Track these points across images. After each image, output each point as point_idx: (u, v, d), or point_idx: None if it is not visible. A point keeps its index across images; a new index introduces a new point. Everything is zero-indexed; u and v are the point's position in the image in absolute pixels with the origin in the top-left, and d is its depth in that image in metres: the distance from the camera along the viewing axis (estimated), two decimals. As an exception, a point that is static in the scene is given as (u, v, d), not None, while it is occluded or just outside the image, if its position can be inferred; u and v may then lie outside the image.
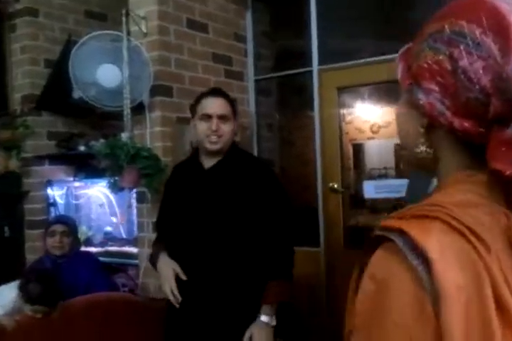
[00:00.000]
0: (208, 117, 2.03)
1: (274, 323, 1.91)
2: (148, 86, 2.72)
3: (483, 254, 0.58)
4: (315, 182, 3.40)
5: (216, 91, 2.10)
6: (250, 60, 3.54)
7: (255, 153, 3.51)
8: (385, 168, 6.33)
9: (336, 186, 3.34)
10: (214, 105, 2.04)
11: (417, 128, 0.69)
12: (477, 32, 0.61)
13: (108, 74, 2.64)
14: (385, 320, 0.60)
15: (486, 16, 0.61)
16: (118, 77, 2.64)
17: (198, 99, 2.09)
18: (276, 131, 3.88)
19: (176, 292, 1.94)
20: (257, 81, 3.56)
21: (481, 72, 0.60)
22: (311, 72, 3.35)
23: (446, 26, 0.64)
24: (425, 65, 0.65)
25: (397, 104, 0.75)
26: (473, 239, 0.59)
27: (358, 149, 6.48)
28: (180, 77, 2.95)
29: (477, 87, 0.61)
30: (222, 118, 2.03)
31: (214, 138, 2.02)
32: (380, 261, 0.63)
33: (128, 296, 2.83)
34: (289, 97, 3.85)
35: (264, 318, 1.90)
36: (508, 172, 0.59)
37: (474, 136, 0.64)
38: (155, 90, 2.79)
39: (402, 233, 0.60)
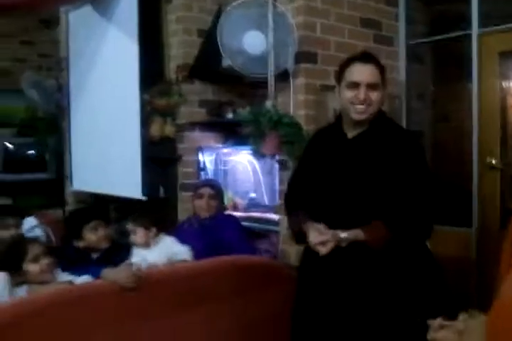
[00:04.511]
0: (355, 85, 1.89)
1: (344, 244, 1.83)
2: (293, 52, 2.71)
3: None
4: (470, 158, 3.14)
5: (366, 57, 1.93)
6: (402, 25, 3.33)
7: (404, 125, 3.33)
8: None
9: (494, 162, 3.06)
10: (363, 72, 1.89)
11: None
12: None
13: (254, 42, 2.67)
14: None
15: None
16: (263, 44, 2.66)
17: (346, 64, 1.94)
18: (428, 102, 3.65)
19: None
20: (408, 46, 3.34)
21: None
22: (469, 35, 3.05)
23: None
24: None
25: None
26: None
27: (526, 125, 5.84)
28: (326, 42, 2.88)
29: None
30: (371, 86, 1.88)
31: (361, 107, 1.88)
32: None
33: (267, 261, 2.88)
34: (444, 65, 3.58)
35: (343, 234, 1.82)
36: None
37: None
38: (299, 57, 2.77)
39: None
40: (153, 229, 2.51)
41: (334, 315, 1.92)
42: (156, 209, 2.68)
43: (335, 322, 1.92)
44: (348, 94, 1.91)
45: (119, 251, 2.60)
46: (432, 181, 1.92)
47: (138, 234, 2.50)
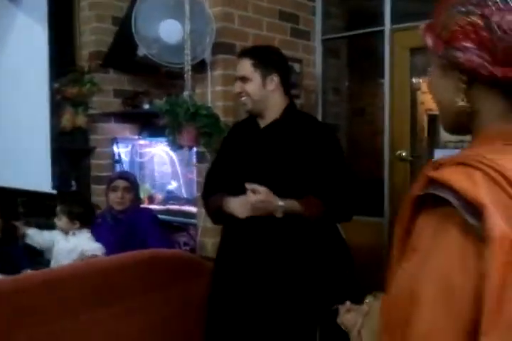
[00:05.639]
0: (235, 80, 2.08)
1: (279, 214, 1.84)
2: (210, 43, 2.67)
3: None
4: (382, 150, 3.26)
5: (240, 53, 2.10)
6: (318, 19, 3.38)
7: (319, 118, 3.39)
8: (461, 141, 6.01)
9: (404, 154, 3.19)
10: (237, 67, 2.06)
11: (457, 85, 0.75)
12: None
13: (170, 30, 2.61)
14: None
15: None
16: (180, 33, 2.60)
17: None
18: (344, 96, 3.74)
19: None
20: (324, 41, 3.41)
21: None
22: (382, 31, 3.16)
23: None
24: (458, 28, 0.72)
25: (430, 73, 0.81)
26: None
27: (434, 120, 6.16)
28: (244, 34, 2.87)
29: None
30: (242, 79, 2.02)
31: (241, 99, 2.04)
32: (437, 229, 0.66)
33: (183, 254, 2.84)
34: (359, 60, 3.68)
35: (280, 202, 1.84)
36: None
37: None
38: (217, 48, 2.74)
39: (452, 189, 0.63)
40: (77, 223, 2.54)
41: (248, 307, 1.95)
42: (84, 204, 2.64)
43: (248, 313, 1.94)
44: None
45: (11, 240, 2.67)
46: (347, 163, 2.03)
47: (61, 220, 2.54)
